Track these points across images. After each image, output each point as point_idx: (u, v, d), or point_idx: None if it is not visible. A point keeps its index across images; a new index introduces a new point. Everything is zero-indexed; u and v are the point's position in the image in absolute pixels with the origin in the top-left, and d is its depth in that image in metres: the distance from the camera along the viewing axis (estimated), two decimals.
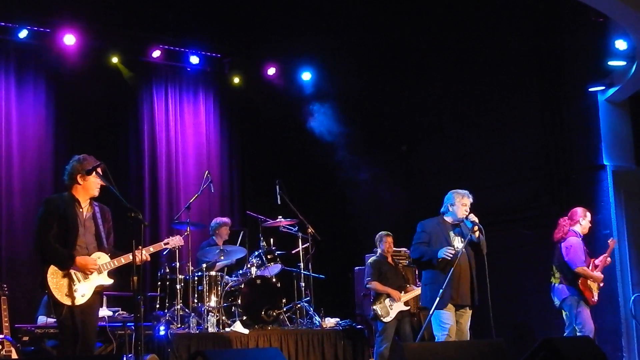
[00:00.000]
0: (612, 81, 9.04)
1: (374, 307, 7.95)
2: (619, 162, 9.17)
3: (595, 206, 8.87)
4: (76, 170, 5.56)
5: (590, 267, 7.40)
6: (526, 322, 9.15)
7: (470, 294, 6.43)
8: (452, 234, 6.52)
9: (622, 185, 9.08)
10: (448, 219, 6.60)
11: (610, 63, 8.78)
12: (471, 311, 6.53)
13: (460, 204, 6.53)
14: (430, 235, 6.51)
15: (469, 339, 6.56)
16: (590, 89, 9.12)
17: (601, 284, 7.45)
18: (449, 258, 6.28)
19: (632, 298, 8.74)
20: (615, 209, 8.93)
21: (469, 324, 6.53)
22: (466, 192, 6.60)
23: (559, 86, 9.45)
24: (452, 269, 6.23)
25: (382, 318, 7.89)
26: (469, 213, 6.49)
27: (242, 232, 9.06)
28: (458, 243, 6.48)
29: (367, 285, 8.17)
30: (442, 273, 6.34)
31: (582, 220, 7.51)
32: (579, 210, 7.57)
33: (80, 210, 5.57)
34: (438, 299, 6.21)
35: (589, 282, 7.33)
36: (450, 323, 6.32)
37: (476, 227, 6.42)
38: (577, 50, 9.23)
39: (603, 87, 9.08)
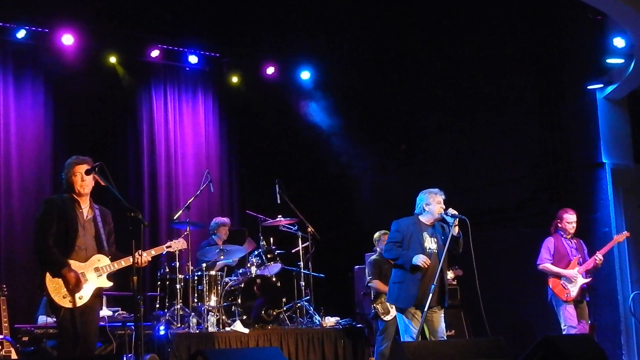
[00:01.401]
0: (610, 79, 9.04)
1: (375, 305, 7.96)
2: (618, 160, 9.18)
3: (594, 204, 8.88)
4: (65, 173, 5.56)
5: (569, 265, 7.44)
6: (526, 320, 9.16)
7: (440, 295, 6.39)
8: (425, 234, 6.49)
9: (620, 182, 9.09)
10: (423, 219, 6.58)
11: (609, 61, 8.79)
12: (442, 311, 6.50)
13: (435, 202, 6.52)
14: (403, 235, 6.51)
15: (445, 337, 6.55)
16: (588, 87, 9.12)
17: (577, 279, 7.42)
18: (424, 267, 6.30)
19: (632, 296, 8.76)
20: (614, 206, 8.94)
21: (442, 323, 6.49)
22: (438, 189, 6.59)
23: (557, 84, 9.46)
24: (437, 273, 6.25)
25: (382, 317, 7.89)
26: (447, 208, 6.47)
27: (252, 245, 9.03)
28: (431, 244, 6.47)
29: (368, 284, 8.17)
30: (411, 273, 6.37)
31: (561, 222, 7.60)
32: (562, 211, 7.68)
33: (80, 211, 5.55)
34: (430, 295, 6.20)
35: (562, 279, 7.38)
36: (415, 327, 6.33)
37: (457, 221, 6.37)
38: (575, 48, 9.24)
39: (601, 85, 9.08)
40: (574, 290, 7.37)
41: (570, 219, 7.59)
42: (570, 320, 7.30)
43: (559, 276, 7.44)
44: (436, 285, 6.23)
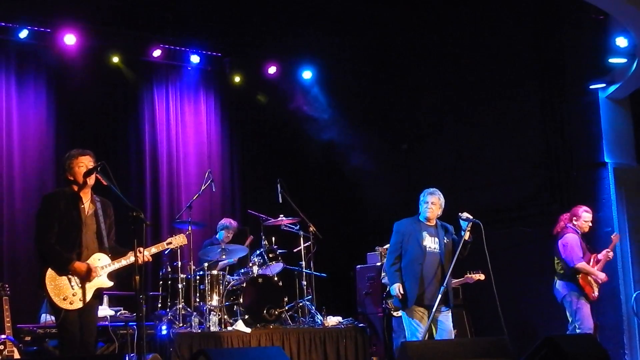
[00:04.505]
0: (612, 78, 9.04)
1: (388, 301, 7.99)
2: (620, 160, 9.17)
3: (596, 204, 8.87)
4: (68, 164, 5.48)
5: (591, 263, 7.45)
6: (528, 319, 9.15)
7: (444, 295, 6.34)
8: (425, 233, 6.48)
9: (623, 182, 9.08)
10: (422, 218, 6.58)
11: (611, 60, 8.79)
12: (448, 311, 6.47)
13: (423, 202, 6.55)
14: (403, 235, 6.54)
15: (452, 335, 6.55)
16: (590, 87, 9.12)
17: (604, 280, 7.47)
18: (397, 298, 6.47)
19: (634, 295, 8.75)
20: (617, 206, 8.94)
21: (449, 323, 6.47)
22: (432, 190, 6.58)
23: (559, 84, 9.45)
24: (447, 273, 6.30)
25: (393, 313, 7.91)
26: (463, 212, 6.42)
27: (250, 238, 9.05)
28: (431, 243, 6.46)
29: (383, 281, 8.18)
30: (410, 272, 6.40)
31: (577, 220, 7.56)
32: (580, 207, 7.63)
33: (82, 207, 5.45)
34: (440, 296, 6.20)
35: (589, 277, 7.37)
36: (420, 326, 6.33)
37: (470, 226, 6.32)
38: (577, 47, 9.23)
39: (604, 85, 9.08)
40: (596, 290, 7.39)
41: (587, 217, 7.58)
42: (589, 322, 7.27)
43: (588, 274, 7.40)
44: (446, 286, 6.24)
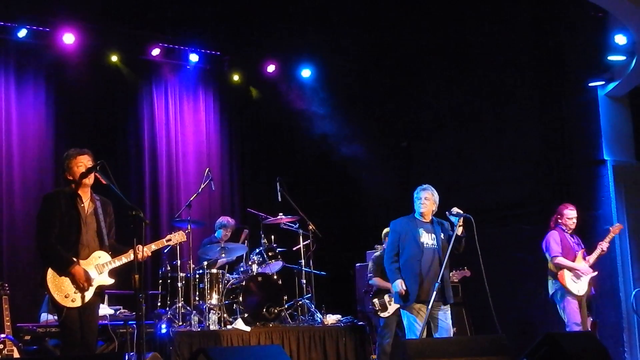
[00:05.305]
0: (612, 76, 9.04)
1: (373, 301, 7.97)
2: (620, 157, 9.18)
3: (595, 201, 8.88)
4: (67, 164, 5.48)
5: (577, 259, 7.43)
6: (528, 317, 9.16)
7: (441, 291, 6.34)
8: (422, 230, 6.49)
9: (622, 180, 9.09)
10: (417, 215, 6.60)
11: (610, 58, 8.79)
12: (447, 307, 6.47)
13: (417, 199, 6.57)
14: (399, 234, 6.55)
15: (451, 334, 6.54)
16: (590, 84, 9.13)
17: (590, 274, 7.43)
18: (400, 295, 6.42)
19: (634, 293, 8.76)
20: (616, 203, 8.94)
21: (448, 321, 6.47)
22: (423, 186, 6.59)
23: (558, 81, 9.46)
24: (442, 269, 6.28)
25: (379, 313, 7.90)
26: (451, 207, 6.43)
27: (245, 232, 9.05)
28: (428, 239, 6.47)
29: (370, 281, 8.18)
30: (409, 270, 6.41)
31: (561, 218, 7.60)
32: (565, 206, 7.70)
33: (82, 206, 5.45)
34: (435, 292, 6.19)
35: (571, 274, 7.36)
36: (419, 323, 6.33)
37: (461, 220, 6.33)
38: (576, 45, 9.24)
39: (603, 82, 9.09)
40: (582, 285, 7.36)
41: (570, 214, 7.60)
42: (574, 317, 7.28)
43: (569, 270, 7.41)
44: (440, 282, 6.23)
